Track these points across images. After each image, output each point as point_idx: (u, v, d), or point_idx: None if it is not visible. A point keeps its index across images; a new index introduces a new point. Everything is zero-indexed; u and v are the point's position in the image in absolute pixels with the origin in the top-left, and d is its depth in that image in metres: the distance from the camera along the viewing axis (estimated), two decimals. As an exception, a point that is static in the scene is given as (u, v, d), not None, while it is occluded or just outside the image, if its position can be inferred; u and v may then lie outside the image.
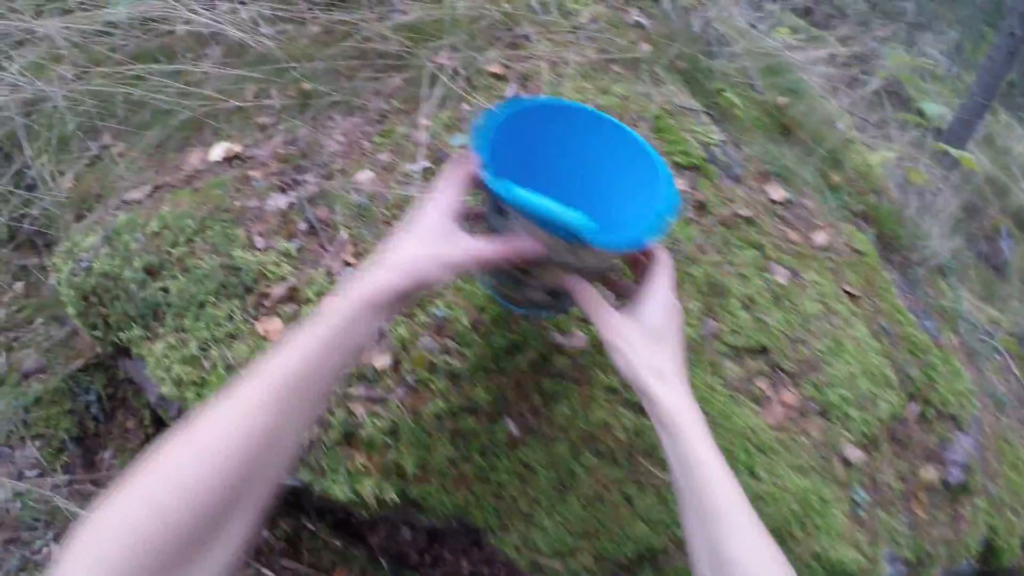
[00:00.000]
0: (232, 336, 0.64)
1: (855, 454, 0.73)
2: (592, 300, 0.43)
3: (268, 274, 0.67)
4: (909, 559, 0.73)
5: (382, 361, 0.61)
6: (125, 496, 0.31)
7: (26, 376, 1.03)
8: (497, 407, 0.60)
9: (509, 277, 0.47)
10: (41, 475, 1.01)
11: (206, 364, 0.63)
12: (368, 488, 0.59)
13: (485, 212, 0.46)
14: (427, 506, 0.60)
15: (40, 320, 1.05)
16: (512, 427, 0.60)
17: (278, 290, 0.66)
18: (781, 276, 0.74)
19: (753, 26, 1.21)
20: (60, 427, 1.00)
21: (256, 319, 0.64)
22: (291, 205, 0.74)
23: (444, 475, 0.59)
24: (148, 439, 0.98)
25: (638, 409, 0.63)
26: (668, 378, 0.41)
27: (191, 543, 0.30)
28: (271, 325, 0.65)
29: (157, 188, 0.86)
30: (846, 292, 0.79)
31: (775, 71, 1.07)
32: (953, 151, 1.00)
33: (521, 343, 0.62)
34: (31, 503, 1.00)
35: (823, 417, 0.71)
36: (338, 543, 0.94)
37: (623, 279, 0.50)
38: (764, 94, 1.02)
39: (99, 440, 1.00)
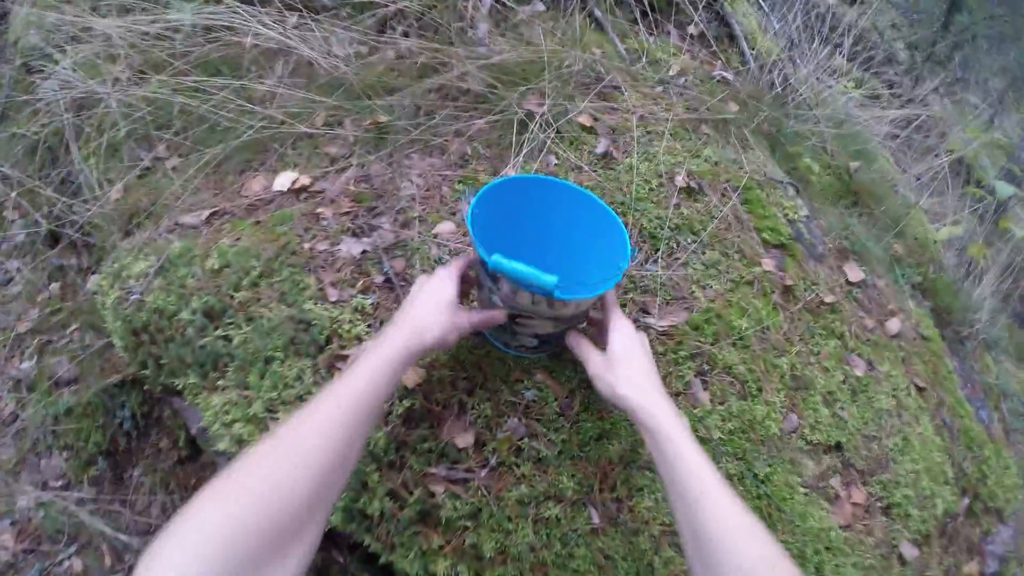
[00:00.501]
0: (302, 399, 0.58)
1: (910, 552, 0.72)
2: (583, 346, 0.53)
3: (342, 332, 0.61)
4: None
5: (465, 440, 0.58)
6: (227, 489, 0.34)
7: (58, 384, 0.99)
8: (581, 495, 0.56)
9: (505, 328, 0.55)
10: (66, 487, 0.97)
11: (272, 425, 0.58)
12: (442, 568, 0.57)
13: (481, 279, 0.53)
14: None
15: (75, 326, 1.01)
16: (595, 516, 0.56)
17: (354, 353, 0.62)
18: (859, 368, 0.72)
19: (818, 79, 1.19)
20: (90, 441, 0.95)
21: (325, 377, 0.61)
22: (365, 253, 0.70)
23: (522, 560, 0.54)
24: (181, 461, 0.94)
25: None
26: (644, 388, 0.48)
27: (284, 538, 0.33)
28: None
29: (215, 214, 0.80)
30: (915, 384, 0.78)
31: (846, 134, 1.05)
32: (1016, 230, 0.99)
33: (611, 431, 0.57)
34: (54, 514, 0.97)
35: (886, 515, 0.70)
36: (366, 577, 0.93)
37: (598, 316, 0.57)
38: (836, 157, 1.00)
39: (129, 457, 0.96)
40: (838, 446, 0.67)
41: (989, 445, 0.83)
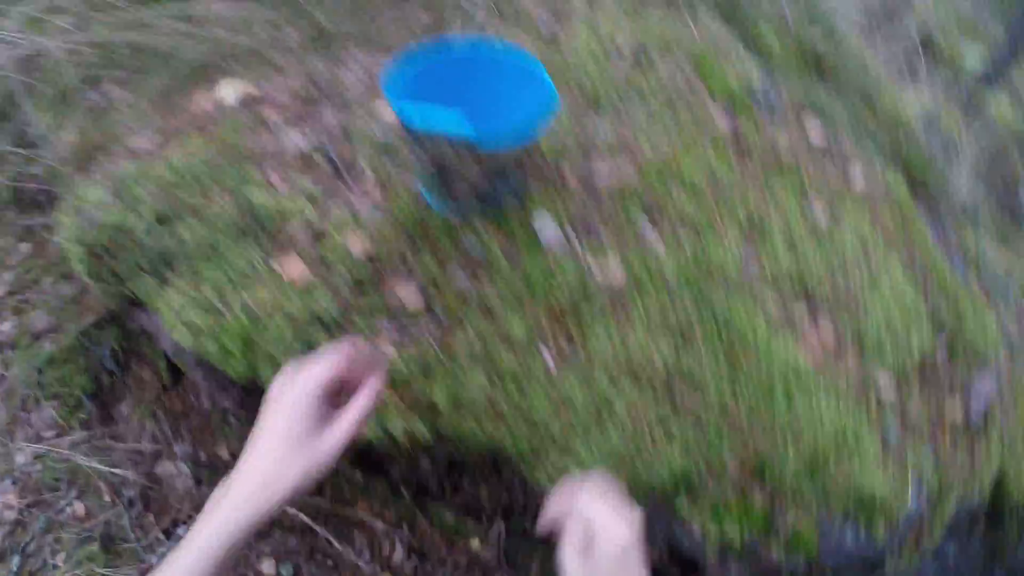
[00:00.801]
0: (249, 278, 0.61)
1: (888, 391, 0.73)
2: (561, 544, 0.39)
3: (290, 217, 0.63)
4: (931, 490, 0.75)
5: (409, 293, 0.58)
6: None
7: (37, 337, 1.03)
8: (532, 338, 0.58)
9: (438, 181, 0.57)
10: (59, 435, 1.02)
11: (223, 310, 0.60)
12: (399, 426, 0.57)
13: (405, 138, 0.54)
14: (459, 441, 0.58)
15: (48, 280, 1.05)
16: (548, 358, 0.58)
17: (297, 227, 0.62)
18: (822, 218, 0.72)
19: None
20: (75, 385, 1.00)
21: (273, 258, 0.61)
22: (311, 144, 0.73)
23: (478, 410, 0.57)
24: (164, 389, 0.97)
25: (678, 338, 0.62)
26: None
27: None
28: (289, 264, 0.62)
29: (166, 135, 0.84)
30: (882, 232, 0.78)
31: (810, 10, 1.04)
32: (991, 101, 0.98)
33: (556, 270, 0.59)
34: (52, 464, 1.01)
35: (859, 354, 0.71)
36: (359, 477, 0.94)
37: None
38: (798, 30, 1.00)
39: (115, 394, 1.00)
40: (802, 284, 0.68)
41: (964, 292, 0.83)
